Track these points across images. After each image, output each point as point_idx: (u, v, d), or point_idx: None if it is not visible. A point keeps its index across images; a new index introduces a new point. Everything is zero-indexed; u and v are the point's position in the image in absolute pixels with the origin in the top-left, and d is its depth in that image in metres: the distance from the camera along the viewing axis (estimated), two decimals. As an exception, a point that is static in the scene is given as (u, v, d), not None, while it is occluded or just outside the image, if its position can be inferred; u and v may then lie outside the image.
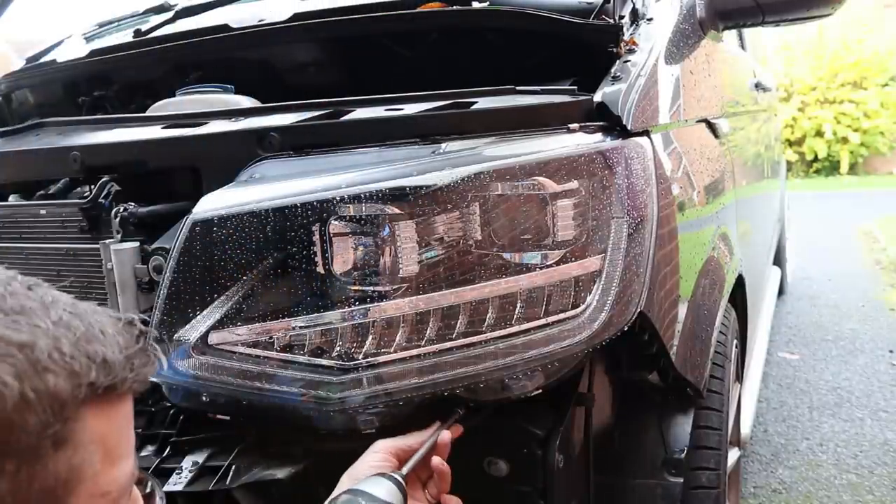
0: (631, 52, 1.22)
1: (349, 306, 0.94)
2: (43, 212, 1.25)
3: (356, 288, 0.94)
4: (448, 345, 0.95)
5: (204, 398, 0.99)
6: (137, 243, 1.12)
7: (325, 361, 0.96)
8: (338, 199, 0.93)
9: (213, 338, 0.97)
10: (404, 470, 0.91)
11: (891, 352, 3.42)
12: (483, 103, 1.08)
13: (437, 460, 0.94)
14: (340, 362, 0.95)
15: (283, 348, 0.97)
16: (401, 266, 0.93)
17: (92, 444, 0.55)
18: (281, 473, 1.01)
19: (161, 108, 1.43)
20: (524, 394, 0.99)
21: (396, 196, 0.93)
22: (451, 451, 0.98)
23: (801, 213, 6.38)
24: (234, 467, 1.01)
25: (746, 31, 2.79)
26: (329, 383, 0.94)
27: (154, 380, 1.00)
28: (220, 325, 0.97)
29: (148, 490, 0.68)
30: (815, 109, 10.48)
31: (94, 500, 0.56)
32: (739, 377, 1.84)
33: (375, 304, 0.94)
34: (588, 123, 1.04)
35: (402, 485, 0.88)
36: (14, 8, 2.04)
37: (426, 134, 1.04)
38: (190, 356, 0.97)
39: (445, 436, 0.96)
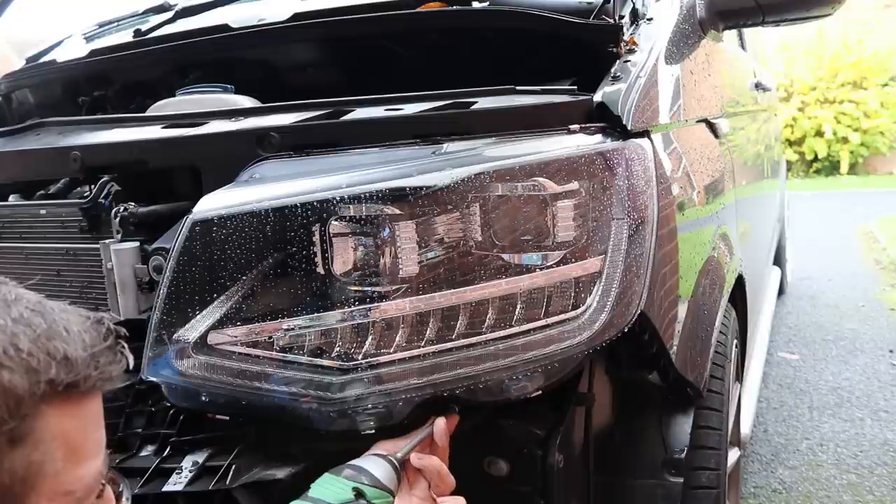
0: (631, 52, 1.22)
1: (349, 307, 0.94)
2: (43, 212, 1.25)
3: (356, 288, 0.94)
4: (448, 345, 0.95)
5: (203, 398, 0.99)
6: (137, 243, 1.12)
7: (324, 362, 0.96)
8: (338, 199, 0.93)
9: (213, 338, 0.97)
10: (399, 454, 0.92)
11: (891, 352, 3.42)
12: (483, 103, 1.08)
13: (415, 458, 0.94)
14: (340, 362, 0.95)
15: (283, 348, 0.97)
16: (401, 267, 0.93)
17: (54, 441, 0.55)
18: (281, 473, 1.01)
19: (161, 108, 1.43)
20: (524, 395, 0.99)
21: (397, 196, 0.93)
22: (451, 452, 0.98)
23: (801, 213, 6.37)
24: (234, 467, 1.01)
25: (746, 31, 2.79)
26: (329, 383, 0.94)
27: (154, 379, 1.00)
28: (219, 325, 0.97)
29: (120, 489, 0.67)
30: (815, 109, 10.47)
31: (57, 499, 0.56)
32: (739, 377, 1.84)
33: (375, 304, 0.94)
34: (588, 124, 1.04)
35: (398, 468, 0.91)
36: (14, 8, 2.04)
37: (426, 134, 1.04)
38: (189, 356, 0.97)
39: (440, 422, 0.96)
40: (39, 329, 0.55)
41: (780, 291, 3.99)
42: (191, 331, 0.97)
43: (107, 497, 0.63)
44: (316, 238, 0.93)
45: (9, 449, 0.52)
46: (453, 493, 0.96)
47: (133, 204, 1.16)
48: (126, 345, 0.63)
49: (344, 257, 0.94)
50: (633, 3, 1.34)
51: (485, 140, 1.02)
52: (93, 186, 1.22)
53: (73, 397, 0.56)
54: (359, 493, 0.85)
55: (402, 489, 0.94)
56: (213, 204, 0.98)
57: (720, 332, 1.42)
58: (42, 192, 1.40)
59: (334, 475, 0.88)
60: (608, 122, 1.04)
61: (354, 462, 0.90)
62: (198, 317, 0.97)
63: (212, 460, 1.03)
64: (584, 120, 1.05)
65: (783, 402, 2.92)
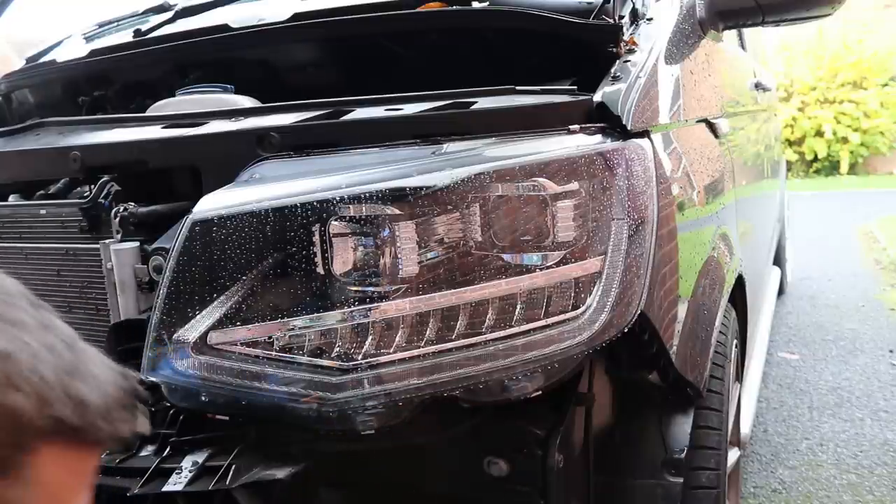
0: (631, 52, 1.22)
1: (349, 307, 0.94)
2: (43, 212, 1.25)
3: (356, 288, 0.94)
4: (448, 346, 0.95)
5: (203, 398, 0.99)
6: (137, 243, 1.12)
7: (324, 362, 0.96)
8: (338, 199, 0.93)
9: (213, 338, 0.97)
10: None
11: (891, 352, 3.42)
12: (483, 103, 1.08)
13: None
14: (340, 363, 0.95)
15: (283, 348, 0.97)
16: (401, 267, 0.93)
17: (38, 486, 0.49)
18: (281, 473, 1.01)
19: (161, 108, 1.43)
20: (524, 395, 0.99)
21: (397, 197, 0.93)
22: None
23: (801, 213, 6.38)
24: (234, 467, 1.01)
25: (746, 31, 2.79)
26: (329, 384, 0.94)
27: (154, 379, 1.00)
28: (219, 325, 0.97)
29: None
30: (815, 109, 10.47)
31: None
32: (739, 377, 1.84)
33: (375, 304, 0.94)
34: (588, 124, 1.04)
35: None
36: (14, 8, 2.04)
37: (426, 134, 1.04)
38: (189, 356, 0.97)
39: None
40: (65, 363, 0.50)
41: (780, 291, 3.99)
42: (191, 331, 0.97)
43: None
44: (316, 238, 0.93)
45: None
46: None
47: (133, 204, 1.16)
48: (145, 408, 0.59)
49: (344, 257, 0.94)
50: (633, 3, 1.34)
51: (485, 140, 1.02)
52: (93, 186, 1.22)
53: (73, 446, 0.51)
54: None
55: None
56: (213, 204, 0.98)
57: (720, 332, 1.42)
58: (42, 192, 1.40)
59: None
60: (608, 122, 1.04)
61: None
62: (198, 317, 0.97)
63: (212, 460, 1.03)
64: (584, 120, 1.05)
65: (783, 402, 2.92)
